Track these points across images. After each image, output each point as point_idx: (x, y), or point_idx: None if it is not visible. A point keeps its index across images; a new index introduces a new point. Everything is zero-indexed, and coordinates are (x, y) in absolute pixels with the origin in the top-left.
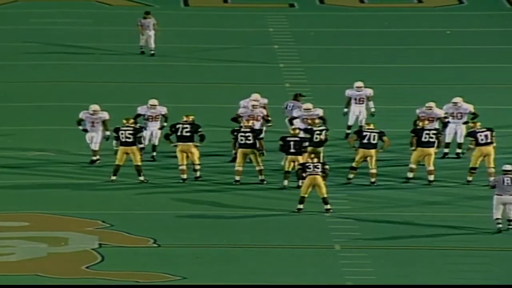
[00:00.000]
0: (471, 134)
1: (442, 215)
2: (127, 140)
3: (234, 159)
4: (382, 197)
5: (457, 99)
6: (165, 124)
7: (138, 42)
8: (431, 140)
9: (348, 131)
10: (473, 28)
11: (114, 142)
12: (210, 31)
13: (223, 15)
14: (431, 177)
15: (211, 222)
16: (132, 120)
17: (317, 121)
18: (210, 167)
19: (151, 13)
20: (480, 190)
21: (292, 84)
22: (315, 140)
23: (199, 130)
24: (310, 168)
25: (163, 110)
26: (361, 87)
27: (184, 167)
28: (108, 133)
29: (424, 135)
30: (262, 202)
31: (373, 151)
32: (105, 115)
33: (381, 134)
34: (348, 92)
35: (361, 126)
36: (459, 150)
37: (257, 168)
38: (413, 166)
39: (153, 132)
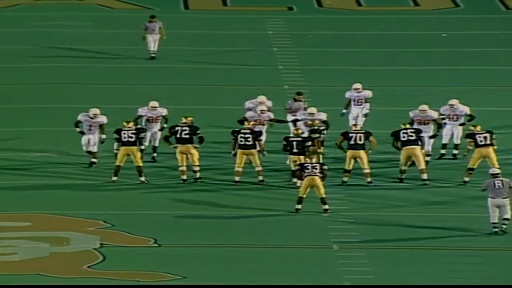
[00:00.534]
0: (470, 136)
1: (439, 215)
2: (129, 140)
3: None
4: (379, 197)
5: (454, 101)
6: (165, 125)
7: (138, 45)
8: (410, 138)
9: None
10: (469, 31)
11: (116, 143)
12: (210, 34)
13: (223, 18)
14: (424, 176)
15: (211, 222)
16: (132, 123)
17: (316, 121)
18: (209, 168)
19: (156, 16)
20: (477, 190)
21: (291, 86)
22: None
23: (198, 132)
24: (308, 169)
25: (164, 111)
26: (358, 88)
27: (184, 168)
28: (104, 136)
29: (402, 135)
30: (261, 202)
31: (361, 152)
32: (104, 119)
33: (367, 135)
34: (348, 94)
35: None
36: (455, 151)
37: (257, 169)
38: (403, 167)
39: (153, 133)
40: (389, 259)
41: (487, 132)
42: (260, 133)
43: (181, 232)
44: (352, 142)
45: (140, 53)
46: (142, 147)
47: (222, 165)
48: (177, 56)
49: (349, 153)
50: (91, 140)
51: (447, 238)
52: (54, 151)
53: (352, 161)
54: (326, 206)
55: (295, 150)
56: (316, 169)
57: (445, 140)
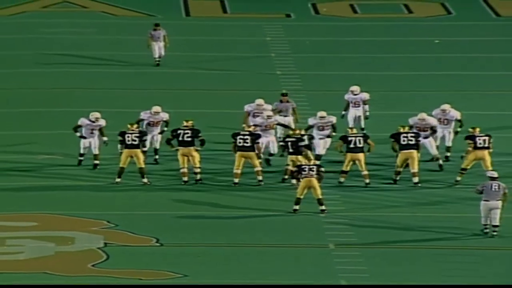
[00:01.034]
0: (470, 137)
1: (433, 215)
2: (133, 142)
3: None
4: (375, 198)
5: (446, 106)
6: (165, 129)
7: (141, 51)
8: (410, 142)
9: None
10: (460, 37)
11: (119, 145)
12: (210, 40)
13: (223, 25)
14: (416, 179)
15: (211, 222)
16: (136, 125)
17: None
18: (209, 169)
19: (161, 24)
20: (469, 192)
21: (288, 90)
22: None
23: (199, 135)
24: (305, 171)
25: (165, 116)
26: (355, 91)
27: (185, 170)
28: (105, 138)
29: (402, 139)
30: (259, 203)
31: (360, 155)
32: (103, 123)
33: (365, 138)
34: (346, 96)
35: (362, 128)
36: (448, 154)
37: (256, 169)
38: (398, 169)
39: (154, 136)
40: (384, 258)
41: (486, 135)
42: (259, 135)
43: (182, 231)
44: (351, 145)
45: (142, 58)
46: (145, 149)
47: (222, 166)
48: (178, 61)
49: (349, 155)
50: (92, 143)
51: (441, 237)
52: (60, 153)
53: (351, 163)
54: (323, 207)
55: (291, 150)
56: (313, 171)
57: (437, 142)
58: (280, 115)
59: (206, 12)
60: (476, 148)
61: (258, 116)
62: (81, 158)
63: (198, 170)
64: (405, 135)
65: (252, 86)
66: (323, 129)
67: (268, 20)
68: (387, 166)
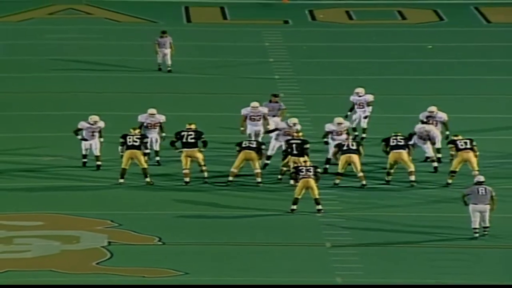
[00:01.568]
0: (451, 142)
1: (427, 215)
2: (134, 143)
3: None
4: (370, 198)
5: (433, 108)
6: (163, 134)
7: (144, 56)
8: (399, 144)
9: (355, 133)
10: (452, 43)
11: (120, 147)
12: (211, 45)
13: (223, 31)
14: (412, 178)
15: (211, 222)
16: (138, 130)
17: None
18: (210, 171)
19: (167, 32)
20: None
21: (286, 94)
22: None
23: (202, 136)
24: (303, 172)
25: (162, 118)
26: (359, 93)
27: (187, 171)
28: (102, 139)
29: (391, 140)
30: (258, 203)
31: (354, 156)
32: (103, 124)
33: (358, 144)
34: (351, 98)
35: (364, 129)
36: (439, 155)
37: (255, 171)
38: (389, 170)
39: (152, 138)
40: (380, 257)
41: (468, 139)
42: (263, 143)
43: (184, 231)
44: (345, 148)
45: (145, 63)
46: (147, 151)
47: (222, 167)
48: (179, 66)
49: (343, 157)
50: (93, 145)
51: (433, 237)
52: (65, 155)
53: (346, 165)
54: (320, 207)
55: (295, 152)
56: (310, 171)
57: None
58: (268, 115)
59: (207, 19)
60: (458, 150)
61: (263, 118)
62: (85, 160)
63: (205, 168)
64: (394, 137)
65: (250, 90)
66: (340, 134)
67: (267, 26)
68: (380, 167)
